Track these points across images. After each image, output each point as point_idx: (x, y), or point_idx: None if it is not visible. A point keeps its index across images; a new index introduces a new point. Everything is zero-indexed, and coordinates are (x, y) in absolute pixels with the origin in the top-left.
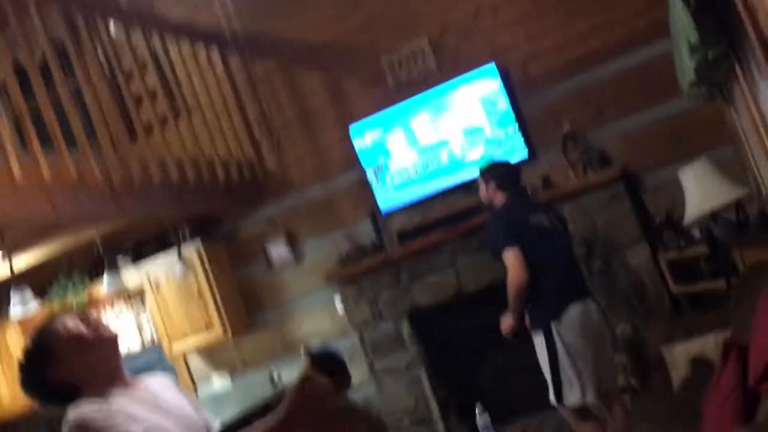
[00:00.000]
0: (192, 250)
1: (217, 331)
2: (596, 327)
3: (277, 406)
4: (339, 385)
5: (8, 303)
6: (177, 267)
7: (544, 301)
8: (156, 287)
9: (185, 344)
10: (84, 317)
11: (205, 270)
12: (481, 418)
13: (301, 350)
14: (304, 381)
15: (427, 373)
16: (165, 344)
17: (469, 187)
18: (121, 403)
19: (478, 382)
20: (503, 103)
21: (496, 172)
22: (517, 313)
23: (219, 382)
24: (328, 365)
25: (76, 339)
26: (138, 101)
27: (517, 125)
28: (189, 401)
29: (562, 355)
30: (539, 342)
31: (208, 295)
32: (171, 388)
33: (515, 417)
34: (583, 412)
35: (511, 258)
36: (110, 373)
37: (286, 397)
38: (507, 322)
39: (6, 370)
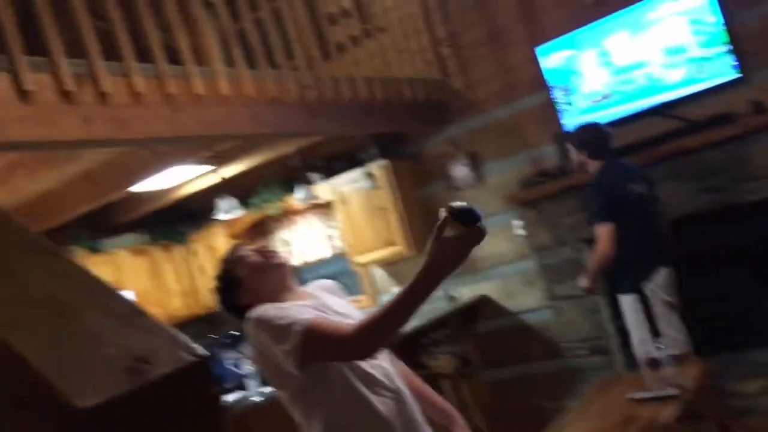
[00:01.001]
0: (379, 167)
1: (399, 246)
2: (676, 293)
3: (453, 324)
4: (475, 236)
5: (216, 208)
6: (364, 183)
7: (633, 267)
8: (344, 202)
9: (369, 257)
10: (261, 249)
11: (390, 187)
12: (661, 351)
13: (441, 209)
14: (442, 227)
15: (608, 302)
16: (350, 255)
17: (665, 110)
18: (292, 304)
19: None
20: (712, 19)
21: (588, 140)
22: (594, 279)
23: None
24: (465, 217)
25: (257, 268)
26: (332, 21)
27: (728, 43)
28: (352, 306)
29: (657, 310)
30: (627, 304)
31: (392, 211)
32: (336, 292)
33: (703, 355)
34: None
35: (603, 233)
36: (284, 290)
37: (428, 250)
38: (584, 283)
39: (213, 265)
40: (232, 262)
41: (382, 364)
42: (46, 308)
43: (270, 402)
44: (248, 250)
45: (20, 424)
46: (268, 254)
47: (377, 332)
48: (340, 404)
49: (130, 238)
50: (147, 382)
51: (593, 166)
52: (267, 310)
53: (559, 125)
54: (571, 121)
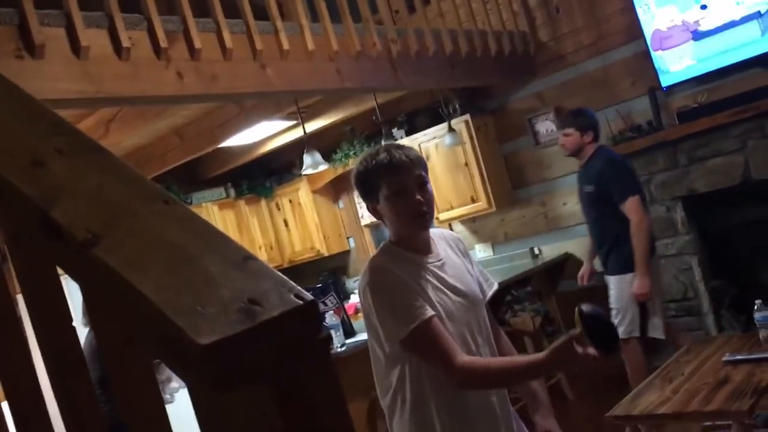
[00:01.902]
0: (461, 122)
1: (481, 202)
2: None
3: (536, 281)
4: (603, 355)
5: (301, 162)
6: (446, 138)
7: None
8: (426, 157)
9: (451, 213)
10: (418, 201)
11: (473, 142)
12: (761, 312)
13: (576, 310)
14: (574, 340)
15: (700, 262)
16: None
17: None
18: (411, 272)
19: (760, 277)
20: None
21: (592, 122)
22: (646, 266)
23: (481, 251)
24: (599, 331)
25: (398, 214)
26: None
27: None
28: (469, 265)
29: (652, 294)
30: (628, 282)
31: (474, 167)
32: (455, 248)
33: None
34: (646, 344)
35: (637, 204)
36: (412, 241)
37: (553, 347)
38: (641, 286)
39: (297, 219)
40: (380, 172)
41: (481, 353)
42: (166, 252)
43: (351, 353)
44: (404, 180)
45: (145, 356)
46: (420, 213)
47: (478, 381)
48: (427, 388)
49: (217, 191)
50: (259, 323)
51: (590, 149)
52: (387, 280)
53: (655, 77)
54: (666, 71)
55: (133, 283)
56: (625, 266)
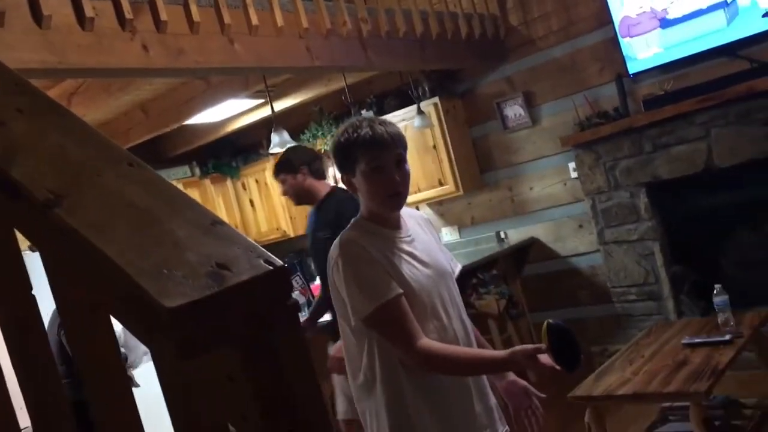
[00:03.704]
0: (430, 105)
1: (449, 186)
2: None
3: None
4: (564, 371)
5: (268, 142)
6: (415, 121)
7: None
8: None
9: (418, 196)
10: (392, 178)
11: (441, 126)
12: (720, 297)
13: (545, 323)
14: (538, 351)
15: (661, 248)
16: None
17: (739, 49)
18: (381, 246)
19: (719, 263)
20: None
21: (301, 159)
22: None
23: (447, 234)
24: (563, 348)
25: (369, 179)
26: None
27: None
28: (438, 244)
29: None
30: None
31: (443, 150)
32: (424, 226)
33: (757, 306)
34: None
35: None
36: (385, 218)
37: (516, 349)
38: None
39: (263, 199)
40: (360, 146)
41: (457, 337)
42: (131, 214)
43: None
44: (384, 157)
45: (109, 323)
46: (395, 193)
47: (434, 367)
48: (398, 362)
49: (182, 170)
50: (227, 288)
51: (321, 188)
52: (357, 254)
53: (622, 65)
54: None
55: (97, 244)
56: None
